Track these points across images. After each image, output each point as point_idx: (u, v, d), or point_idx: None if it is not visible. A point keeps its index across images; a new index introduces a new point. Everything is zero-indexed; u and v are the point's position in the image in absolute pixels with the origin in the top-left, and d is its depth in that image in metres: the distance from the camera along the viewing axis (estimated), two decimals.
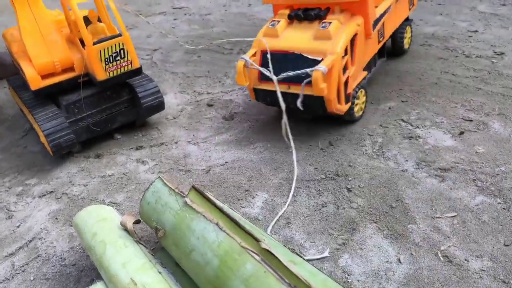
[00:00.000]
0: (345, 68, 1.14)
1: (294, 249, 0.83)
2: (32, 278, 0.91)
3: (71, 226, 1.03)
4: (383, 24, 1.32)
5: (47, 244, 0.99)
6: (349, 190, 1.02)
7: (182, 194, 0.74)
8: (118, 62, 1.21)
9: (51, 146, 1.18)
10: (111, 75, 1.21)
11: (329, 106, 1.12)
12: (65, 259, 0.94)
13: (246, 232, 0.70)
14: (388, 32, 1.39)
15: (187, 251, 0.68)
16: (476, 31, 1.68)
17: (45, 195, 1.14)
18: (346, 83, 1.15)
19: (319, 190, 1.04)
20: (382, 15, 1.29)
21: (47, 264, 0.93)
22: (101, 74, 1.20)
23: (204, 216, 0.69)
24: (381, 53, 1.42)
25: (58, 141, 1.19)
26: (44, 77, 1.21)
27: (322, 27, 1.13)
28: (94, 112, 1.28)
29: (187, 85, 1.59)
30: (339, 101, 1.13)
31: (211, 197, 0.77)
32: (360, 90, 1.22)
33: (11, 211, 1.11)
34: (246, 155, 1.19)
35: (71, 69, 1.25)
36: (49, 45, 1.20)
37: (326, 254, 0.88)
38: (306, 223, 0.95)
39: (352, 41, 1.16)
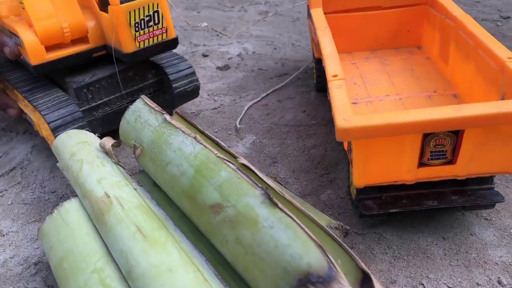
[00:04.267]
0: None
1: (275, 177, 0.81)
2: (10, 203, 0.89)
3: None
4: None
5: (28, 173, 0.97)
6: None
7: (162, 112, 0.72)
8: (151, 29, 0.92)
9: None
10: (142, 45, 0.92)
11: None
12: (45, 187, 0.92)
13: (225, 150, 0.68)
14: None
15: (163, 164, 0.66)
16: None
17: (29, 130, 1.12)
18: None
19: (309, 134, 1.01)
20: None
21: (26, 191, 0.92)
22: (129, 45, 0.91)
23: (182, 131, 0.67)
24: None
25: None
26: (48, 48, 0.91)
27: None
28: (112, 98, 1.00)
29: (183, 37, 1.56)
30: None
31: (194, 123, 0.75)
32: None
33: None
34: (238, 101, 1.16)
35: (83, 40, 0.95)
36: (56, 5, 0.89)
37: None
38: (292, 162, 0.93)
39: None
